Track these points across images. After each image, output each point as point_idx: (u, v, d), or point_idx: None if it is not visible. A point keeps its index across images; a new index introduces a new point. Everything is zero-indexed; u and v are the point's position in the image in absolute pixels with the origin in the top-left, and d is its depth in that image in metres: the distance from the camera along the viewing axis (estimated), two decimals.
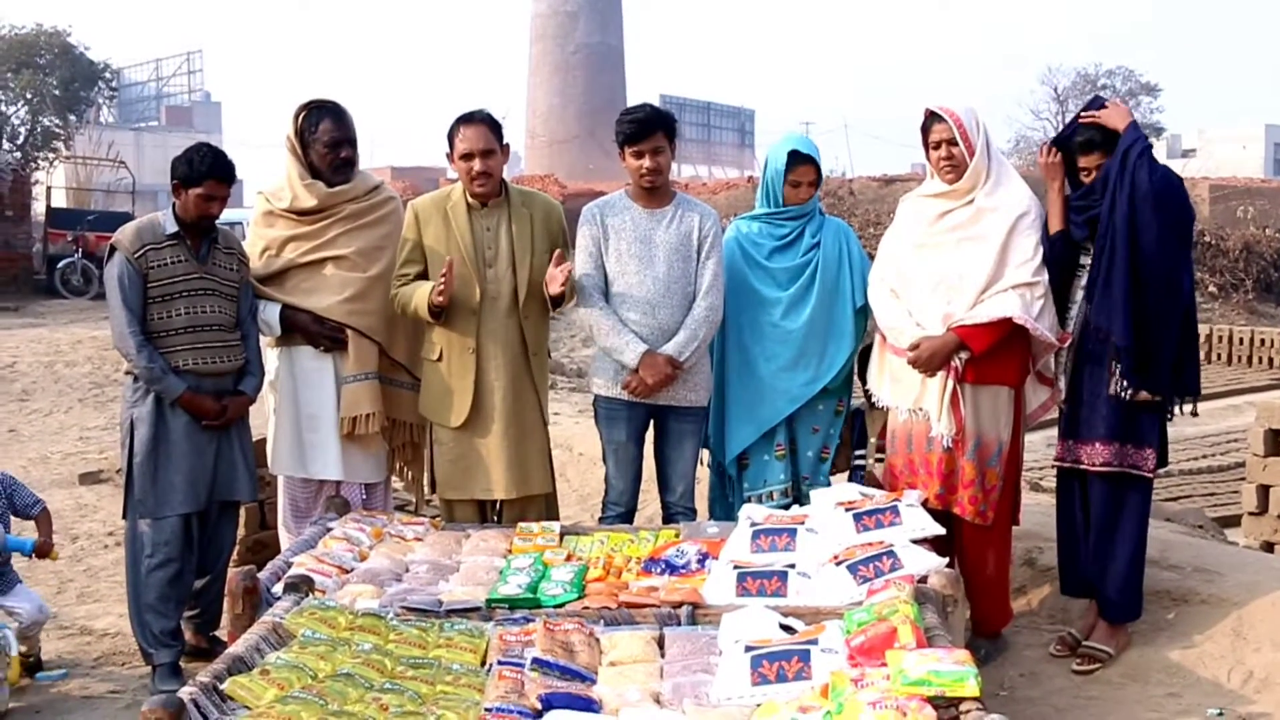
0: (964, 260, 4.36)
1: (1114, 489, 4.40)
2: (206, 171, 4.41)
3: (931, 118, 4.44)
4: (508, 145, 4.72)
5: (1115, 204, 4.23)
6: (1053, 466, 4.92)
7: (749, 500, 4.63)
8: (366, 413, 4.70)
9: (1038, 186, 4.42)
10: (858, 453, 4.87)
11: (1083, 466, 4.44)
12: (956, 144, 4.37)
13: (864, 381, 4.74)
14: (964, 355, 4.30)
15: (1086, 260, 4.40)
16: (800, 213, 4.74)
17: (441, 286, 4.42)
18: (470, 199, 4.65)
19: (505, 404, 4.62)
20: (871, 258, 4.75)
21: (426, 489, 4.92)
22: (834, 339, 4.71)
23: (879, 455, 4.81)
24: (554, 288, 4.50)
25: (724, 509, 4.84)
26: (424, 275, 4.64)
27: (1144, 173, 4.19)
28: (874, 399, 4.64)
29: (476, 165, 4.55)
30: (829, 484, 4.63)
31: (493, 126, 4.62)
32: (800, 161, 4.66)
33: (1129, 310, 4.20)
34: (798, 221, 4.75)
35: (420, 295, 4.52)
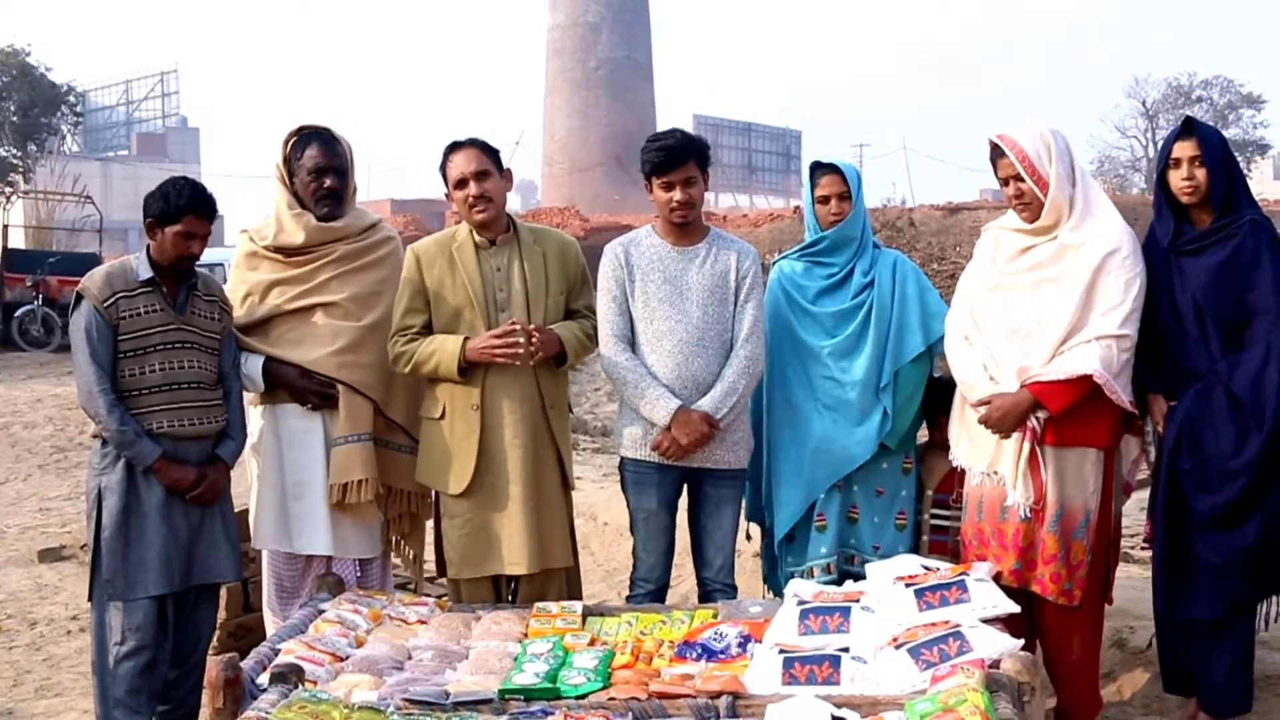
0: (1042, 305, 4.30)
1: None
2: (185, 205, 4.45)
3: (995, 149, 4.36)
4: (509, 171, 4.80)
5: None
6: (1143, 547, 4.85)
7: (795, 576, 4.59)
8: (358, 479, 4.72)
9: (1131, 213, 4.35)
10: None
11: None
12: (1024, 179, 4.28)
13: (932, 427, 4.71)
14: (1041, 415, 4.25)
15: None
16: (840, 238, 4.72)
17: (495, 347, 4.48)
18: (476, 237, 4.70)
19: (522, 466, 4.62)
20: (944, 297, 4.74)
21: (434, 569, 4.89)
22: (895, 388, 4.68)
23: (935, 511, 4.80)
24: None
25: (775, 585, 4.83)
26: (429, 327, 4.68)
27: None
28: (952, 459, 4.61)
29: (472, 189, 4.61)
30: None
31: (485, 149, 4.70)
32: (822, 172, 4.67)
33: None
34: (843, 254, 4.74)
35: (449, 351, 4.54)
